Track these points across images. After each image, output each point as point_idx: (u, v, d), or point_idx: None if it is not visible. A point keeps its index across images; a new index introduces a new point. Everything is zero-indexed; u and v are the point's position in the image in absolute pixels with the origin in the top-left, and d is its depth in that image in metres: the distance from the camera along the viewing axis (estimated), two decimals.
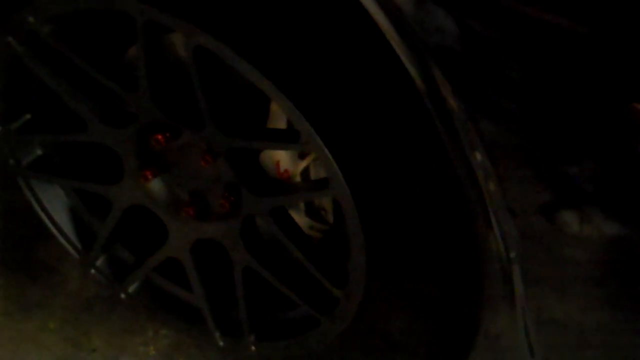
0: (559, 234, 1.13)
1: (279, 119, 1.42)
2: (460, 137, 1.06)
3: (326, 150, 1.22)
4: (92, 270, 1.73)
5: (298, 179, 1.49)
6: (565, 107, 1.04)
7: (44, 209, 1.71)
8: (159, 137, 1.46)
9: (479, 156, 1.07)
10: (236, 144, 1.35)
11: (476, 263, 1.19)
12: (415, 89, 1.06)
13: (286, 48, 1.28)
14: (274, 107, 1.41)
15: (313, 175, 1.52)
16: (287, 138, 1.29)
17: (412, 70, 1.03)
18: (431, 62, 1.02)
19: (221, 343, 1.65)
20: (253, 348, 1.60)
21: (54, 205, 1.72)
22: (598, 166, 1.06)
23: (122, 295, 1.73)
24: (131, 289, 1.72)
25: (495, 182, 1.09)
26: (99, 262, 1.73)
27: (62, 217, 1.73)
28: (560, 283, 1.18)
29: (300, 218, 1.49)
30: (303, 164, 1.45)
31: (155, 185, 1.56)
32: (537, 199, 1.11)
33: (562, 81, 1.02)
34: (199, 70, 1.27)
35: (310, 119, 1.21)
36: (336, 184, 1.26)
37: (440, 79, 1.02)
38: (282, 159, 1.45)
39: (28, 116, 1.61)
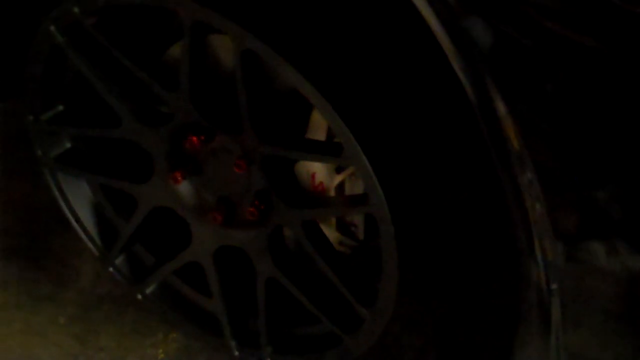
0: (580, 264, 1.10)
1: (318, 131, 1.39)
2: (511, 154, 1.04)
3: (369, 167, 1.20)
4: (110, 269, 1.71)
5: (332, 193, 1.46)
6: (596, 126, 1.02)
7: (67, 203, 1.68)
8: (194, 139, 1.44)
9: (529, 176, 1.04)
10: (273, 152, 1.33)
11: (514, 290, 1.16)
12: (464, 105, 1.04)
13: (337, 58, 1.26)
14: (315, 117, 1.39)
15: (348, 190, 1.50)
16: (328, 151, 1.27)
17: (465, 82, 1.00)
18: (486, 73, 1.00)
19: (236, 353, 1.62)
20: None
21: (78, 200, 1.70)
22: (626, 191, 1.04)
23: (139, 296, 1.70)
24: (148, 290, 1.70)
25: (543, 206, 1.07)
26: (118, 261, 1.70)
27: (85, 213, 1.70)
28: (578, 314, 1.15)
29: (330, 232, 1.47)
30: (339, 178, 1.43)
31: (184, 187, 1.54)
32: (560, 226, 1.09)
33: (591, 100, 1.00)
34: (245, 74, 1.25)
35: (355, 133, 1.19)
36: (375, 200, 1.24)
37: (494, 91, 1.00)
38: (318, 171, 1.43)
39: (60, 107, 1.59)
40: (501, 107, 1.02)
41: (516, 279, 1.16)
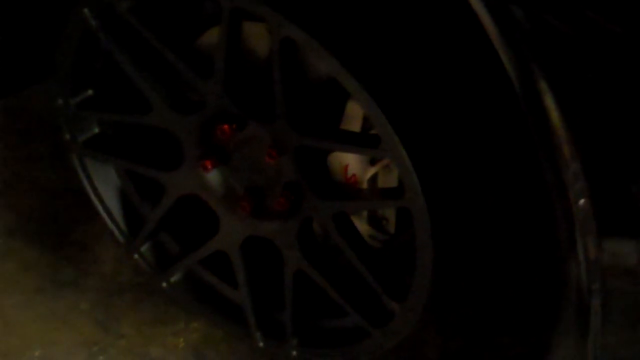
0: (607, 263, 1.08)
1: (353, 122, 1.37)
2: (556, 145, 1.01)
3: (407, 159, 1.18)
4: (136, 256, 1.69)
5: (365, 185, 1.44)
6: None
7: (94, 189, 1.67)
8: (225, 127, 1.42)
9: (574, 169, 1.02)
10: (307, 143, 1.31)
11: (552, 289, 1.14)
12: (507, 95, 1.01)
13: (376, 47, 1.24)
14: (351, 108, 1.37)
15: (381, 183, 1.47)
16: (365, 142, 1.25)
17: (510, 70, 0.98)
18: (531, 61, 0.98)
19: (261, 344, 1.61)
20: (294, 353, 1.56)
21: (105, 186, 1.68)
22: None
23: (164, 284, 1.69)
24: (173, 278, 1.68)
25: (587, 202, 1.04)
26: (143, 248, 1.69)
27: (112, 199, 1.69)
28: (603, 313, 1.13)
29: (361, 225, 1.45)
30: (373, 171, 1.41)
31: (213, 176, 1.52)
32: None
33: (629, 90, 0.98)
34: (282, 62, 1.23)
35: (394, 124, 1.17)
36: (412, 194, 1.22)
37: (540, 80, 0.97)
38: (351, 163, 1.41)
39: (90, 92, 1.57)
40: (547, 97, 1.00)
41: (555, 277, 1.13)
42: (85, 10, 1.40)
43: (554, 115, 1.00)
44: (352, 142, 1.29)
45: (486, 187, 1.30)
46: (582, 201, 1.04)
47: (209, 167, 1.49)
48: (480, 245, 1.32)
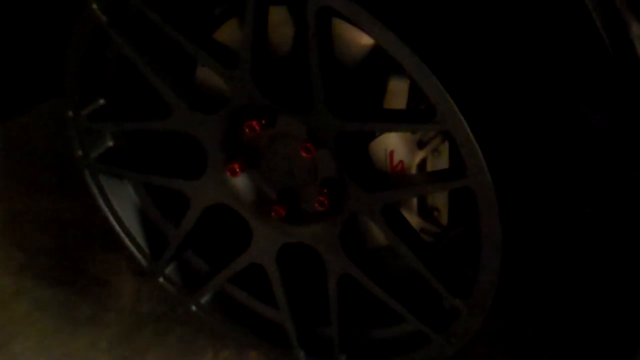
0: None
1: (397, 101, 1.25)
2: None
3: (468, 129, 1.06)
4: (161, 279, 1.56)
5: (414, 171, 1.31)
6: None
7: (111, 209, 1.54)
8: (254, 123, 1.30)
9: None
10: (350, 128, 1.18)
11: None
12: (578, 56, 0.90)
13: (429, 12, 1.12)
14: (393, 86, 1.25)
15: (430, 168, 1.34)
16: (417, 117, 1.12)
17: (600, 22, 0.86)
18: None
19: None
20: None
21: (123, 205, 1.56)
22: None
23: (193, 307, 1.55)
24: (204, 299, 1.54)
25: None
26: (168, 270, 1.55)
27: (131, 218, 1.56)
28: None
29: (410, 218, 1.31)
30: (421, 154, 1.28)
31: (242, 181, 1.40)
32: None
33: None
34: (319, 38, 1.11)
35: (451, 92, 1.05)
36: (475, 170, 1.09)
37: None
38: (397, 148, 1.28)
39: (102, 101, 1.46)
40: None
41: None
42: (94, 5, 1.28)
43: None
44: (402, 119, 1.16)
45: (563, 164, 1.17)
46: None
47: (237, 170, 1.36)
48: (552, 233, 1.18)
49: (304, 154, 1.27)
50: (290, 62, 1.33)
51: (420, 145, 1.27)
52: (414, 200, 1.35)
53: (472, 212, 1.14)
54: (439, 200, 1.35)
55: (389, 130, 1.21)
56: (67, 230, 1.99)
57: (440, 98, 1.06)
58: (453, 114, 1.06)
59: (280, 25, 1.30)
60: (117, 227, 1.55)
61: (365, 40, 1.24)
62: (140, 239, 1.56)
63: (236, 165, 1.36)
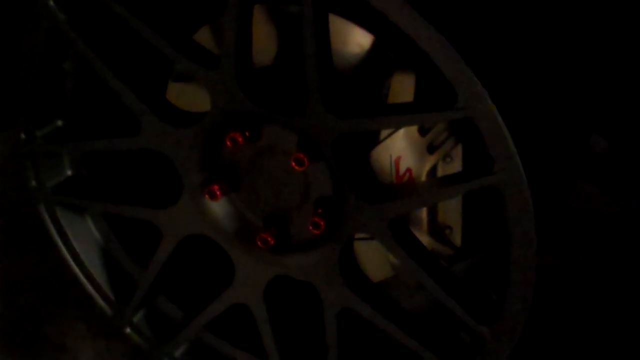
0: None
1: (402, 98, 1.09)
2: None
3: (498, 115, 0.90)
4: (128, 330, 1.35)
5: (423, 179, 1.14)
6: None
7: (69, 248, 1.34)
8: (236, 135, 1.13)
9: None
10: (351, 128, 1.02)
11: None
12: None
13: None
14: (397, 82, 1.09)
15: (441, 174, 1.17)
16: (435, 105, 0.96)
17: None
18: None
19: None
20: None
21: (83, 244, 1.36)
22: None
23: None
24: (178, 352, 1.33)
25: None
26: (136, 318, 1.35)
27: (92, 259, 1.37)
28: None
29: (420, 238, 1.14)
30: (432, 160, 1.11)
31: (222, 207, 1.22)
32: None
33: None
34: (317, 27, 0.96)
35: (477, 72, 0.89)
36: (505, 165, 0.93)
37: None
38: (404, 154, 1.11)
39: (59, 122, 1.27)
40: None
41: None
42: (50, 2, 1.11)
43: None
44: (414, 110, 1.00)
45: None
46: None
47: (218, 193, 1.19)
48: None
49: (295, 167, 1.10)
50: (274, 70, 1.18)
51: (431, 149, 1.11)
52: (424, 218, 1.17)
53: (498, 219, 0.98)
54: (452, 216, 1.18)
55: (399, 125, 1.04)
56: (23, 290, 1.77)
57: (464, 79, 0.90)
58: (479, 97, 0.90)
59: (260, 35, 1.15)
60: (76, 270, 1.35)
61: (364, 39, 1.11)
62: (103, 283, 1.36)
63: (216, 188, 1.18)
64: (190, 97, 1.25)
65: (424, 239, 1.16)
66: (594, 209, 1.64)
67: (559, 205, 1.17)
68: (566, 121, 1.18)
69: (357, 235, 1.17)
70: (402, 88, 1.08)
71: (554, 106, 1.11)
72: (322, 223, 1.13)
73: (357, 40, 1.12)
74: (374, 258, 1.26)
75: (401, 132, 1.10)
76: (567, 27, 1.08)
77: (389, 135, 1.10)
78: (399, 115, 0.99)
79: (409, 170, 1.12)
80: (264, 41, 1.18)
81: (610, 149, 1.30)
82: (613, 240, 1.58)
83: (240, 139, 1.14)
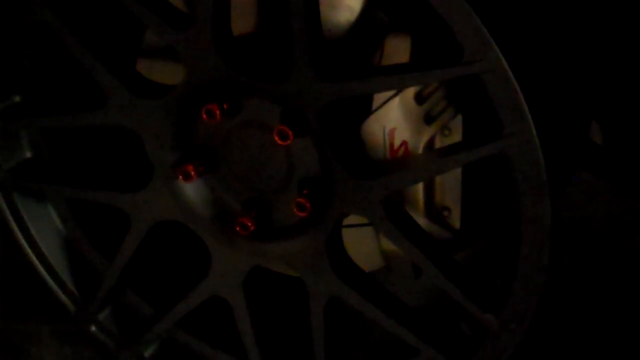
0: None
1: (395, 61, 0.99)
2: None
3: (509, 70, 0.80)
4: (93, 328, 1.23)
5: (420, 152, 1.03)
6: None
7: (29, 239, 1.22)
8: (213, 107, 1.02)
9: None
10: (344, 92, 0.91)
11: None
12: None
13: None
14: (391, 46, 0.99)
15: (439, 145, 1.06)
16: (431, 64, 0.86)
17: None
18: None
19: None
20: None
21: (44, 234, 1.25)
22: None
23: None
24: (148, 352, 1.22)
25: None
26: (102, 316, 1.23)
27: (54, 251, 1.25)
28: None
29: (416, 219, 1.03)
30: (429, 132, 1.01)
31: (197, 190, 1.11)
32: None
33: None
34: None
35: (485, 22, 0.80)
36: (516, 129, 0.83)
37: None
38: (399, 125, 1.00)
39: (17, 98, 1.16)
40: None
41: None
42: None
43: None
44: (412, 69, 0.89)
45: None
46: None
47: (192, 174, 1.07)
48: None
49: (278, 142, 0.99)
50: (254, 37, 1.08)
51: (428, 120, 1.00)
52: (420, 199, 1.07)
53: (505, 194, 0.88)
54: (450, 196, 1.08)
55: (396, 85, 0.93)
56: None
57: (471, 30, 0.80)
58: (488, 49, 0.80)
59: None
60: (36, 262, 1.23)
61: (354, 1, 1.01)
62: (66, 277, 1.24)
63: (190, 167, 1.07)
64: (159, 74, 1.15)
65: (420, 221, 1.05)
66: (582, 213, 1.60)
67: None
68: (565, 112, 1.10)
69: (345, 222, 1.07)
70: (397, 52, 0.97)
71: (553, 99, 1.03)
72: (307, 204, 1.02)
73: (346, 2, 1.02)
74: (363, 247, 1.15)
75: (396, 100, 1.00)
76: (568, 26, 1.02)
77: (383, 104, 1.00)
78: (396, 74, 0.88)
79: (404, 143, 1.01)
80: (243, 6, 1.08)
81: (605, 140, 1.23)
82: (601, 241, 1.52)
83: (217, 112, 1.03)
